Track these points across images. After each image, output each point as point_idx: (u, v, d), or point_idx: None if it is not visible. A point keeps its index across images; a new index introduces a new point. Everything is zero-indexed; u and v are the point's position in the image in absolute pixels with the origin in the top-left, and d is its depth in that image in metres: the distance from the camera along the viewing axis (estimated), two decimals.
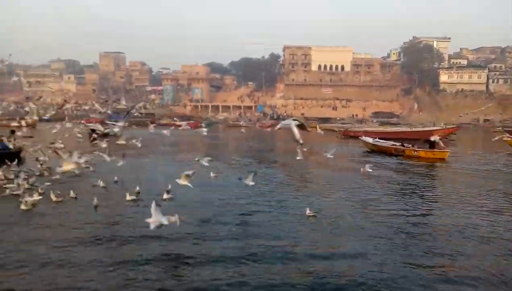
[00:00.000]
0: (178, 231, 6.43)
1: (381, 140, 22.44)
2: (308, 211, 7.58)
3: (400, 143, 20.38)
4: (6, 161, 11.29)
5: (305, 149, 13.33)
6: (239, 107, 72.45)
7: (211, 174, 10.64)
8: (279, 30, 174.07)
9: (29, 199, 7.18)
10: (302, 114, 65.20)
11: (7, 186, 8.82)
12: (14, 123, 15.25)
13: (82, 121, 51.74)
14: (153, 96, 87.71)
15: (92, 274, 4.96)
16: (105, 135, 18.86)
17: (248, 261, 5.43)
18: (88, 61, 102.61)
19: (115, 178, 10.11)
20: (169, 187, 9.15)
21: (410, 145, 19.62)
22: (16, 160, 12.25)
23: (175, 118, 47.55)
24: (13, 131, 15.88)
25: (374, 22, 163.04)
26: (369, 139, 22.79)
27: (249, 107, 71.89)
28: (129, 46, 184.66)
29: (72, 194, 8.46)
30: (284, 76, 79.13)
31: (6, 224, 6.82)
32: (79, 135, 15.72)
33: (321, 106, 70.90)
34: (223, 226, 6.95)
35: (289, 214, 7.87)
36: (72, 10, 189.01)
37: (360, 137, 24.48)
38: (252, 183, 8.47)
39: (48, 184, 9.09)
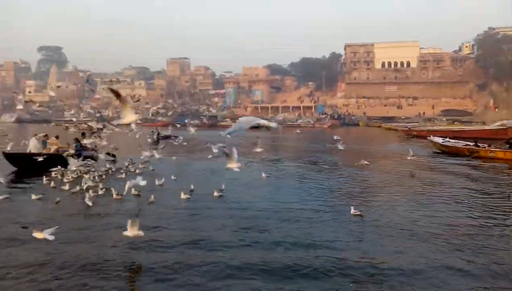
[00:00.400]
0: (221, 237, 6.41)
1: (452, 140, 20.98)
2: (353, 210, 7.32)
3: (473, 143, 18.91)
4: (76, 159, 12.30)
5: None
6: (299, 107, 72.12)
7: (262, 175, 10.82)
8: (279, 30, 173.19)
9: (90, 194, 7.98)
10: (364, 113, 63.24)
11: (73, 181, 9.85)
12: (85, 127, 16.65)
13: (150, 125, 54.81)
14: (216, 99, 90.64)
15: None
16: (166, 137, 20.11)
17: (286, 273, 5.13)
18: (157, 67, 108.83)
19: (173, 177, 10.75)
20: (223, 186, 9.51)
21: (486, 145, 18.12)
22: (90, 159, 13.45)
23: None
24: (83, 134, 17.21)
25: (373, 22, 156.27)
26: (438, 139, 21.42)
27: (309, 108, 71.24)
28: (194, 51, 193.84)
29: (133, 191, 8.81)
30: (346, 75, 77.36)
31: (68, 216, 7.50)
32: (149, 138, 16.86)
33: (385, 105, 68.03)
34: (262, 233, 6.72)
35: (337, 219, 7.40)
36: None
37: (428, 137, 23.09)
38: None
39: (114, 181, 9.84)
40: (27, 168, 12.53)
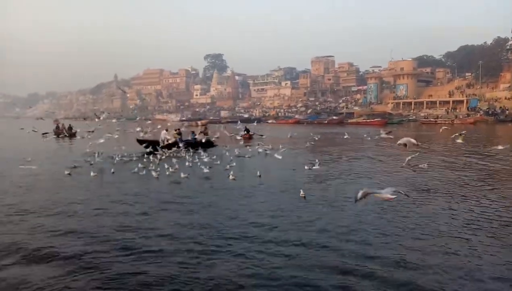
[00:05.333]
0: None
1: None
2: (301, 193, 7.37)
3: None
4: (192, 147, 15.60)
5: None
6: (448, 102, 64.90)
7: (305, 167, 11.30)
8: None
9: (140, 167, 10.35)
10: None
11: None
12: (194, 124, 20.52)
13: (283, 122, 58.69)
14: (358, 95, 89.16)
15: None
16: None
17: None
18: (302, 67, 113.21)
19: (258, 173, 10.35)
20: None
21: None
22: (205, 147, 16.86)
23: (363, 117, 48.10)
24: (205, 128, 21.26)
25: None
26: None
27: (461, 102, 63.39)
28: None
29: (182, 175, 9.87)
30: None
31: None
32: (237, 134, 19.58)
33: None
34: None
35: None
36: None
37: None
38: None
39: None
40: (153, 150, 16.38)
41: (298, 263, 4.68)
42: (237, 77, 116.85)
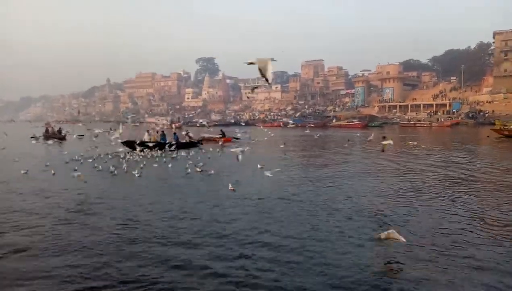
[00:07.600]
0: None
1: None
2: (230, 186, 8.64)
3: None
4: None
5: None
6: (432, 105, 66.50)
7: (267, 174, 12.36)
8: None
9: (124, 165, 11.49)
10: (492, 111, 54.00)
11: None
12: (169, 126, 21.87)
13: (268, 125, 59.55)
14: (346, 99, 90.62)
15: None
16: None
17: None
18: (293, 70, 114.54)
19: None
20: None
21: None
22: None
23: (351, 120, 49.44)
24: (187, 132, 22.74)
25: None
26: None
27: (443, 105, 65.00)
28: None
29: (136, 173, 11.09)
30: (494, 68, 67.41)
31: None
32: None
33: None
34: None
35: None
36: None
37: None
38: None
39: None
40: (135, 149, 17.42)
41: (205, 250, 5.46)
42: (228, 81, 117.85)
